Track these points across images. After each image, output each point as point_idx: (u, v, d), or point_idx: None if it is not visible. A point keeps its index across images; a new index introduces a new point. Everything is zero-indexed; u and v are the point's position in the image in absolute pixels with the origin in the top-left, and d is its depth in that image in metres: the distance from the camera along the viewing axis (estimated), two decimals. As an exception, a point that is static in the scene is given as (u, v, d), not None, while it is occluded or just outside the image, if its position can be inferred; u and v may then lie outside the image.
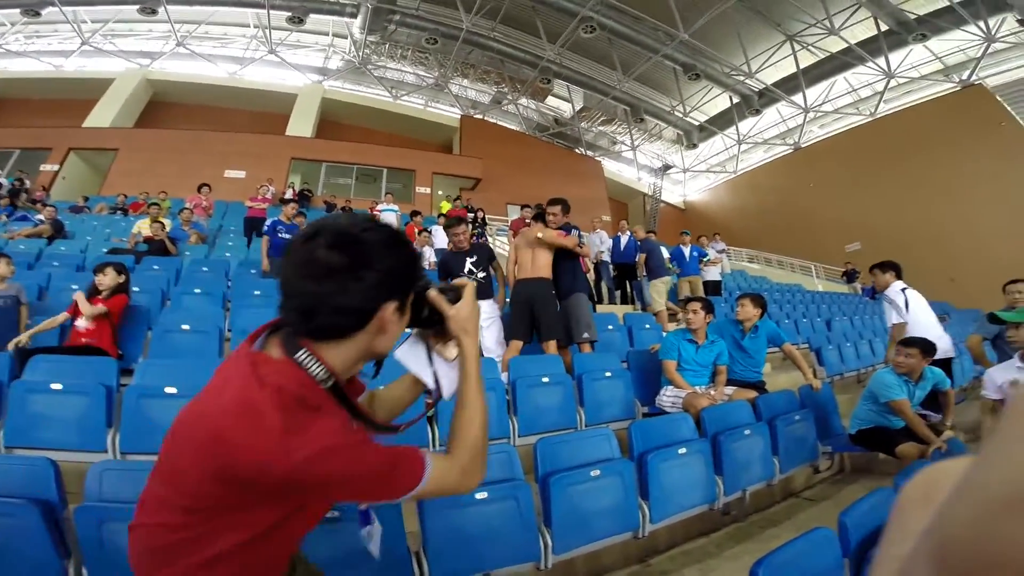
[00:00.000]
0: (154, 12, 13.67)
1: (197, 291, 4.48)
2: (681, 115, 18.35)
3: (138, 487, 1.77)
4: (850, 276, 12.56)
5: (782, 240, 16.94)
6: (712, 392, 3.38)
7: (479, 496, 1.91)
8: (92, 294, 3.52)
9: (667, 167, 21.64)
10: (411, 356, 0.95)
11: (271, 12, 14.04)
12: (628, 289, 7.78)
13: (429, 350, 0.96)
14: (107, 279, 3.53)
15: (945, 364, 3.84)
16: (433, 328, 0.93)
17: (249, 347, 0.81)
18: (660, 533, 2.40)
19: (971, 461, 0.27)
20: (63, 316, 3.39)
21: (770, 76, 15.93)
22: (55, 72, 15.07)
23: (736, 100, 17.24)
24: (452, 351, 0.94)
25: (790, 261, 15.39)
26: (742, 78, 15.97)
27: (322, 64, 17.19)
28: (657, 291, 6.52)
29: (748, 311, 3.74)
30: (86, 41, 14.45)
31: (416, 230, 8.18)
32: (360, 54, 16.12)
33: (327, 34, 16.36)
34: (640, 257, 6.85)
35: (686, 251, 7.54)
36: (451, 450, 0.87)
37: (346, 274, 0.74)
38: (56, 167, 13.02)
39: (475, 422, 0.89)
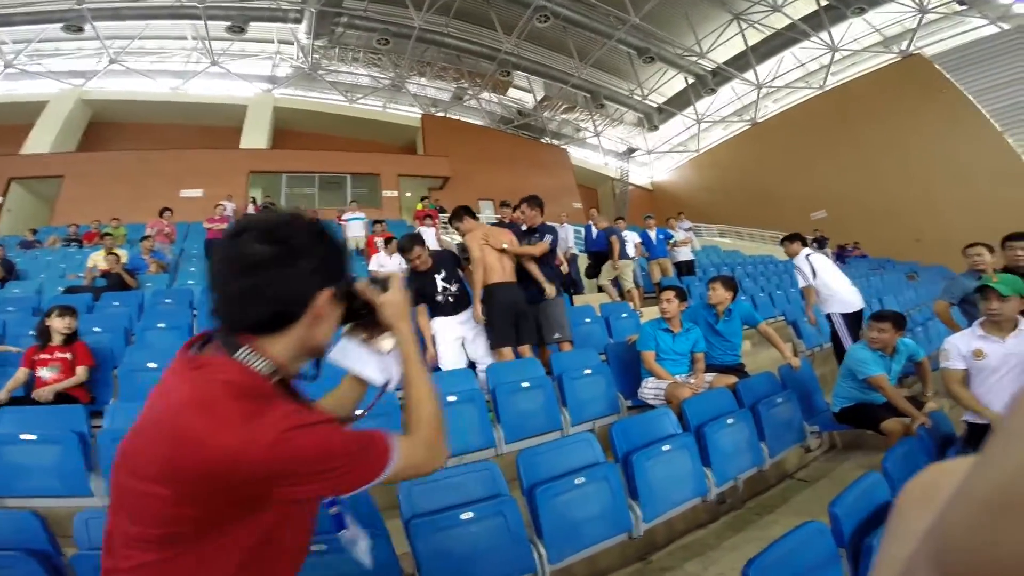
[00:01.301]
0: (80, 30, 12.82)
1: (161, 325, 4.32)
2: (640, 98, 18.49)
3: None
4: (820, 243, 12.92)
5: (749, 213, 17.31)
6: (692, 380, 3.41)
7: (464, 516, 1.89)
8: (43, 338, 3.35)
9: (631, 150, 21.84)
10: (346, 355, 0.97)
11: (208, 23, 13.42)
12: (604, 277, 7.81)
13: (363, 347, 0.98)
14: (75, 322, 3.42)
15: (857, 316, 4.36)
16: (364, 320, 0.94)
17: (185, 354, 0.79)
18: (658, 529, 2.41)
19: (973, 461, 0.27)
20: (23, 373, 3.24)
21: (721, 55, 16.18)
22: (-20, 98, 14.14)
23: (691, 80, 17.47)
24: (386, 343, 0.97)
25: (760, 233, 15.76)
26: (694, 58, 16.17)
27: (270, 72, 16.56)
28: (606, 270, 6.73)
29: (720, 294, 3.72)
30: (9, 63, 13.53)
31: (383, 239, 7.04)
32: (309, 59, 15.61)
33: (272, 41, 15.74)
34: (613, 240, 6.77)
35: (652, 235, 7.63)
36: (411, 429, 0.87)
37: (281, 264, 0.76)
38: (-1, 199, 12.27)
39: (427, 399, 0.90)
